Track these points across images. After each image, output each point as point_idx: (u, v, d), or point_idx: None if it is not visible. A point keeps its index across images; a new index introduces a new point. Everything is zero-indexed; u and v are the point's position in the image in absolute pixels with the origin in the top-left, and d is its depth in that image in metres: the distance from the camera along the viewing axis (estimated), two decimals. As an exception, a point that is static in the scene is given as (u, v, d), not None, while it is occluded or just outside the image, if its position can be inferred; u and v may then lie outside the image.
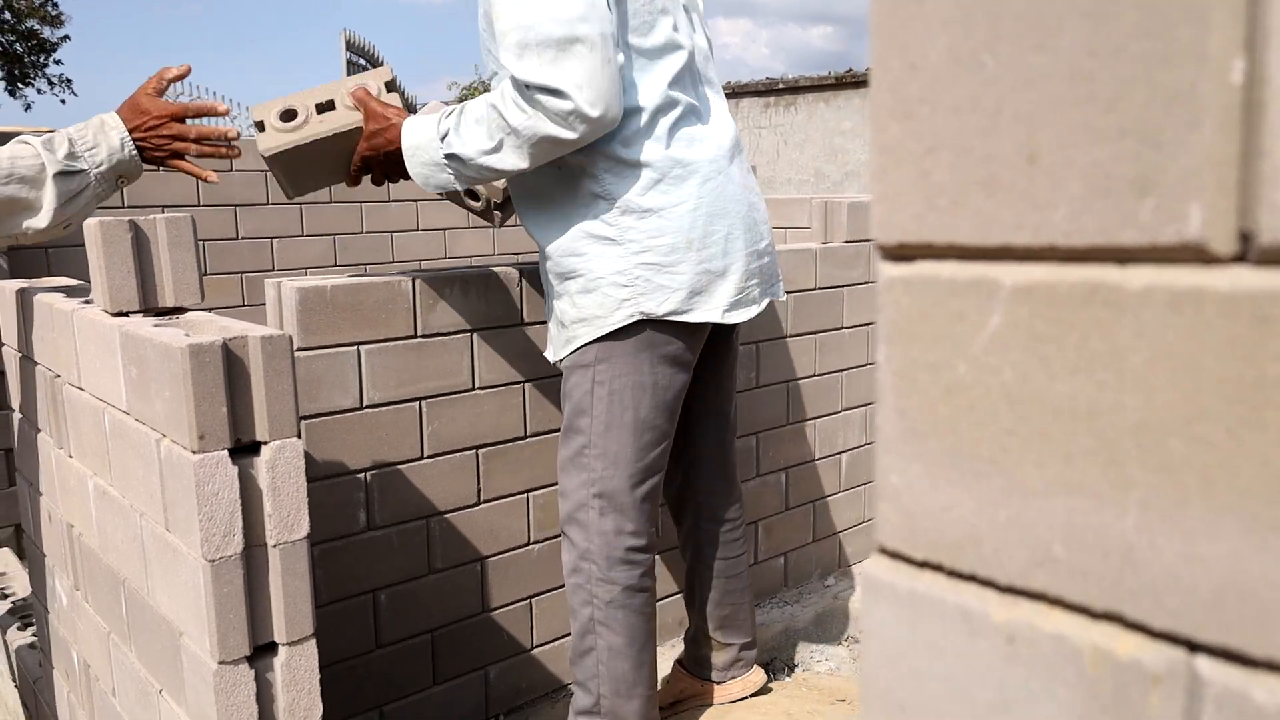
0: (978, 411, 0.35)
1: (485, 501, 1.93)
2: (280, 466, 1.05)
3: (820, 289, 2.55)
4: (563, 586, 2.08)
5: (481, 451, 1.91)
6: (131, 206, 3.12)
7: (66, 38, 19.28)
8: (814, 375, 2.58)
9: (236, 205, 3.34)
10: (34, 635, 2.22)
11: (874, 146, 0.36)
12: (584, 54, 1.36)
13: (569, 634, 2.11)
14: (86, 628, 1.49)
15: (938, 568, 0.36)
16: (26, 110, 18.85)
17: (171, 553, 1.09)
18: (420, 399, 1.81)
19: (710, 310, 1.56)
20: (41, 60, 19.14)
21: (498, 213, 1.90)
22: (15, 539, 2.98)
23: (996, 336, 0.34)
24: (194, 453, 1.00)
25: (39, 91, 19.53)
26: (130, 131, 1.49)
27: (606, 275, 1.51)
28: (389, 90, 1.68)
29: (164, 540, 1.11)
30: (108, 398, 1.22)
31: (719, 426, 1.84)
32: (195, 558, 1.03)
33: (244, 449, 1.04)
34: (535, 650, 2.06)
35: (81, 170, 1.43)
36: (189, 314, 1.23)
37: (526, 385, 1.96)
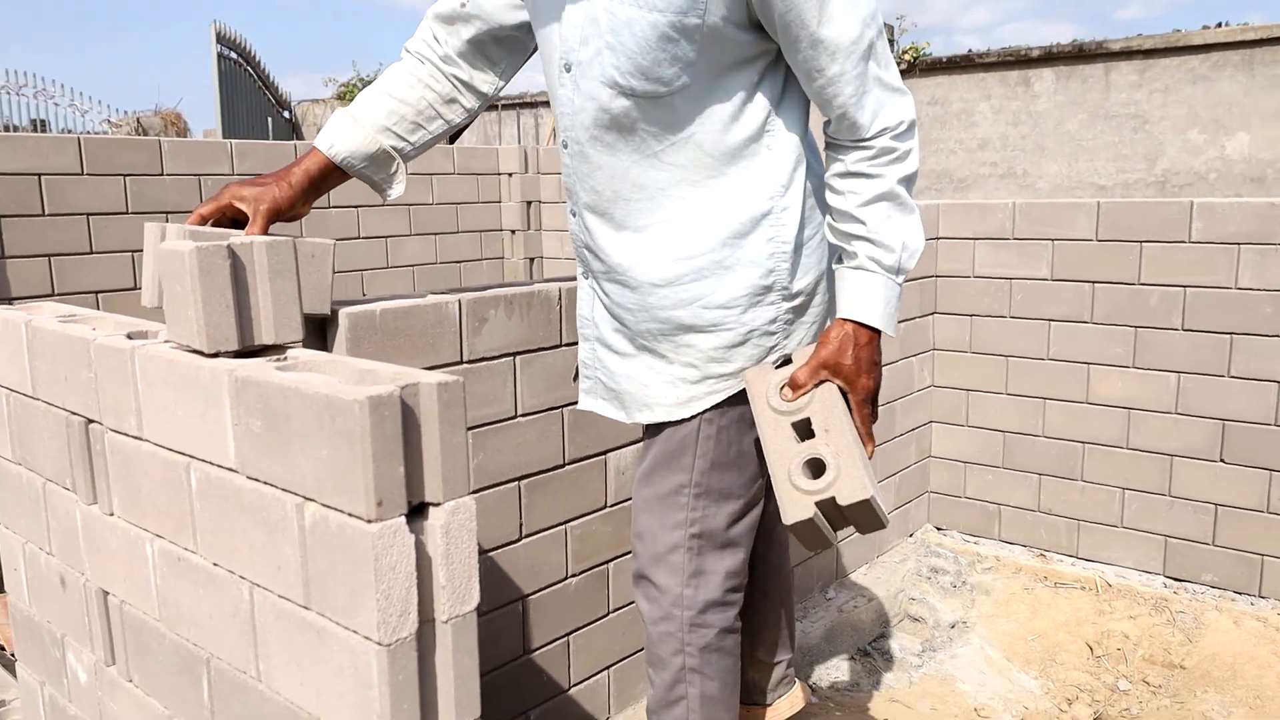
0: None
1: (527, 536, 1.81)
2: (454, 530, 0.91)
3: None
4: (600, 619, 1.97)
5: (523, 483, 1.78)
6: (54, 214, 2.82)
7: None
8: (815, 386, 2.54)
9: (169, 212, 3.07)
10: (-8, 706, 1.96)
11: None
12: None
13: (605, 669, 2.01)
14: (127, 709, 1.29)
15: None
16: None
17: (313, 633, 0.94)
18: (467, 429, 1.66)
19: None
20: None
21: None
22: (-72, 591, 2.64)
23: None
24: (369, 521, 0.85)
25: None
26: None
27: (760, 326, 1.38)
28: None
29: (298, 618, 0.95)
30: (195, 452, 1.05)
31: None
32: (363, 641, 0.88)
33: (412, 511, 0.90)
34: (573, 689, 1.94)
35: None
36: (293, 352, 1.07)
37: (565, 410, 1.84)
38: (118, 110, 13.83)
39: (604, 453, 1.93)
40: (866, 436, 1.36)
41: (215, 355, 1.04)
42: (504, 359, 1.71)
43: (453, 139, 4.89)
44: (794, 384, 1.34)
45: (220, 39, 11.50)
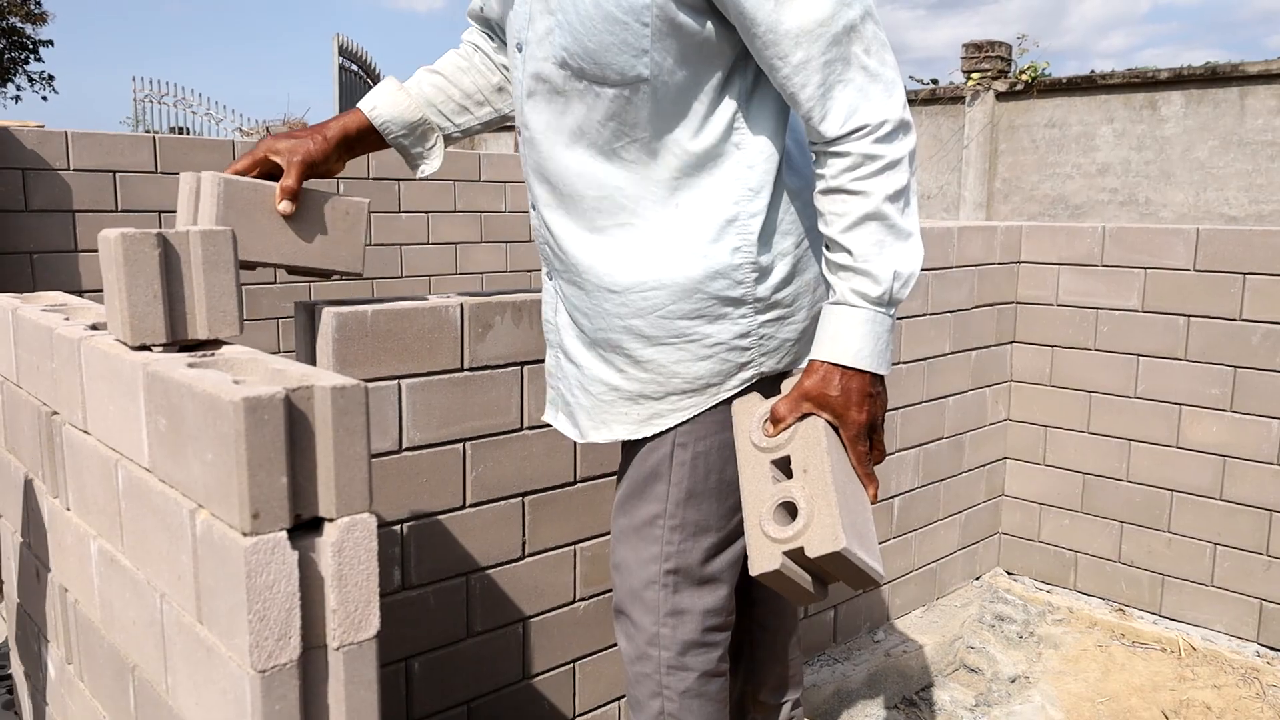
0: None
1: (530, 555, 1.72)
2: (348, 550, 0.83)
3: (879, 321, 2.35)
4: (610, 648, 1.87)
5: (528, 499, 1.70)
6: (126, 210, 2.90)
7: (49, 42, 19.02)
8: (870, 414, 2.38)
9: (239, 212, 3.11)
10: (7, 692, 1.98)
11: None
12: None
13: (615, 699, 1.90)
14: (81, 711, 1.26)
15: None
16: (16, 102, 18.59)
17: (205, 651, 0.87)
18: (465, 440, 1.60)
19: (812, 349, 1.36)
20: (23, 57, 18.82)
21: None
22: (-13, 570, 2.72)
23: None
24: (245, 534, 0.78)
25: (19, 88, 19.16)
26: None
27: (728, 340, 1.26)
28: None
29: (194, 634, 0.89)
30: (122, 449, 1.01)
31: None
32: (240, 665, 0.81)
33: (302, 526, 0.83)
34: (579, 719, 1.84)
35: None
36: (225, 349, 1.01)
37: (578, 425, 1.75)
38: (249, 119, 14.48)
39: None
40: (866, 478, 1.21)
41: (142, 349, 0.99)
42: (510, 368, 1.64)
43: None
44: (774, 418, 1.20)
45: (342, 51, 11.92)
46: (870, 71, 1.13)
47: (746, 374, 1.27)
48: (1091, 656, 2.53)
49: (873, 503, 1.23)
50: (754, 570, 1.15)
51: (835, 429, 1.19)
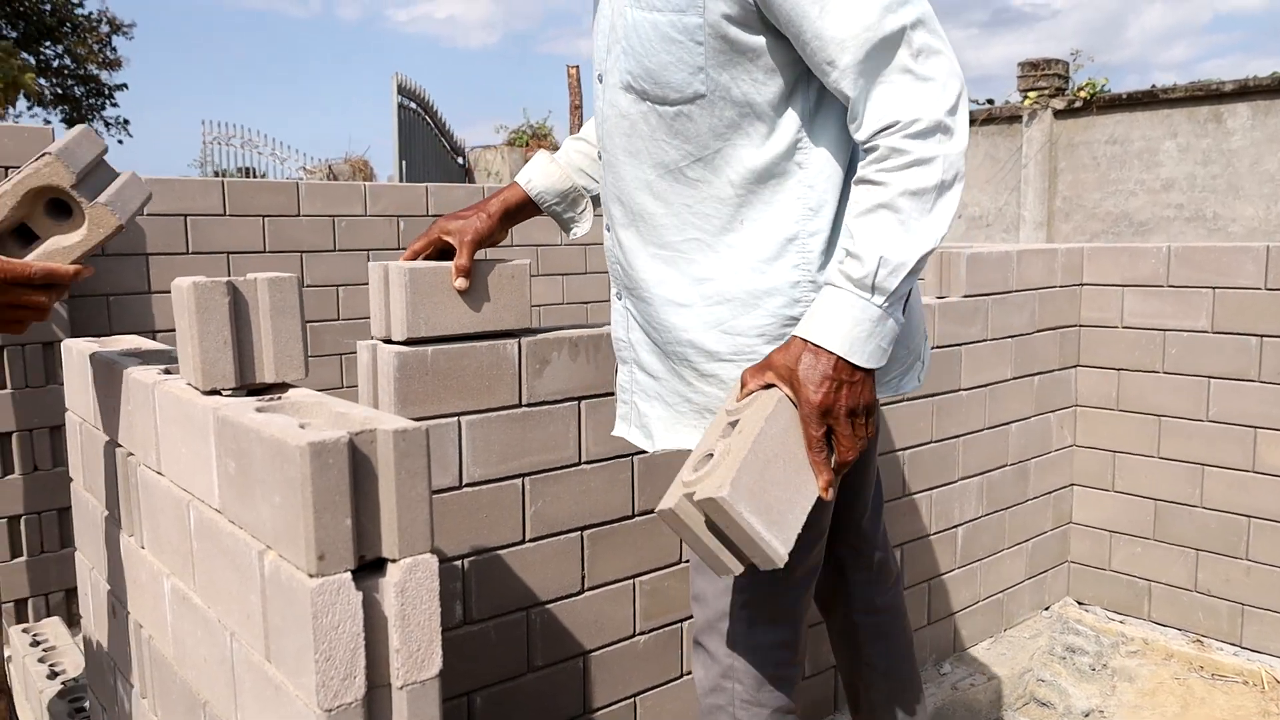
0: None
1: (590, 589, 1.72)
2: (411, 590, 0.85)
3: (937, 348, 2.33)
4: (669, 682, 1.87)
5: (587, 533, 1.71)
6: (196, 253, 2.99)
7: (124, 86, 19.77)
8: (930, 442, 2.35)
9: (304, 251, 3.20)
10: (86, 723, 2.04)
11: None
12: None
13: (675, 735, 1.89)
14: (154, 745, 1.29)
15: None
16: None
17: (273, 690, 0.89)
18: (523, 475, 1.61)
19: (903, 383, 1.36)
20: (99, 103, 19.59)
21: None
22: (66, 605, 2.81)
23: None
24: (311, 576, 0.80)
25: (97, 134, 19.95)
26: None
27: None
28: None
29: (262, 672, 0.91)
30: (194, 490, 1.04)
31: (864, 501, 1.61)
32: (306, 703, 0.83)
33: (366, 567, 0.84)
34: (639, 755, 1.84)
35: None
36: (292, 392, 1.04)
37: (635, 459, 1.76)
38: (311, 158, 14.86)
39: (679, 505, 1.83)
40: (816, 465, 1.14)
41: (212, 393, 1.03)
42: (567, 403, 1.65)
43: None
44: (741, 382, 1.20)
45: (401, 90, 12.19)
46: (917, 75, 1.13)
47: None
48: (1169, 690, 2.45)
49: (824, 498, 1.15)
50: (658, 508, 1.13)
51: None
